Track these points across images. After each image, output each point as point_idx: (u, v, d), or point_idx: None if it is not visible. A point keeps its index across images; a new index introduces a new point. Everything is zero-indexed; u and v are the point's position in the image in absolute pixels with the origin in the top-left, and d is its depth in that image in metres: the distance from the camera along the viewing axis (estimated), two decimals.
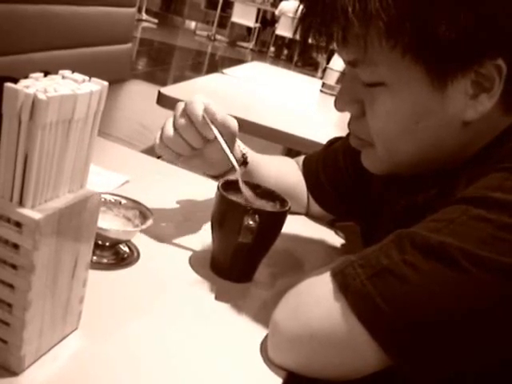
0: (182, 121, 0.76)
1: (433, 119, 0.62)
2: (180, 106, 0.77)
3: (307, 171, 0.98)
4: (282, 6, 9.26)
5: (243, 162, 0.87)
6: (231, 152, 0.77)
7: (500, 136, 0.62)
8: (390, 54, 0.59)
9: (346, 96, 0.68)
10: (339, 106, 0.69)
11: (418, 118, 0.62)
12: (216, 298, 0.69)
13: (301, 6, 0.63)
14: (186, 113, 0.76)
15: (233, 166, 0.83)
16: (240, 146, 0.87)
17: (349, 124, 0.71)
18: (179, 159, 0.80)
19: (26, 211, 0.45)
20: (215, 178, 0.87)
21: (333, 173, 0.93)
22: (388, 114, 0.63)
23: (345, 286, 0.55)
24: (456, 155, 0.65)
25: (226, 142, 0.77)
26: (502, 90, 0.59)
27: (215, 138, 0.76)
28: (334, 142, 0.97)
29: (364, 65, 0.62)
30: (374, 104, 0.64)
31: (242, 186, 0.75)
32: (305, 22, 0.63)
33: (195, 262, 0.76)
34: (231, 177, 0.85)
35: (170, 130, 0.77)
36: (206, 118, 0.75)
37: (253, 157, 0.88)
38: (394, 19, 0.56)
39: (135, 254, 0.73)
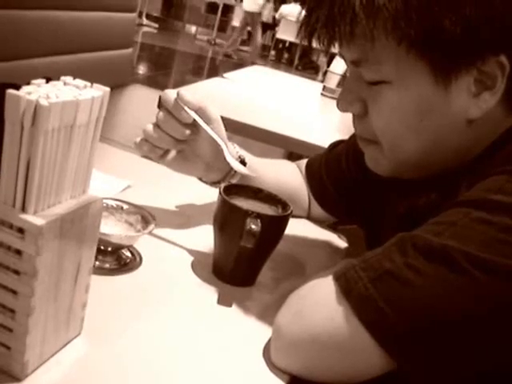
0: (160, 113, 0.77)
1: (436, 117, 0.62)
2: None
3: (310, 174, 0.98)
4: (282, 9, 9.27)
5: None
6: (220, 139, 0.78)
7: (501, 138, 0.62)
8: (394, 51, 0.59)
9: (349, 96, 0.68)
10: (342, 106, 0.69)
11: (421, 116, 0.62)
12: (218, 302, 0.69)
13: (306, 3, 0.63)
14: (162, 104, 0.77)
15: (229, 172, 0.83)
16: (236, 148, 0.86)
17: (353, 125, 0.71)
18: (164, 158, 0.81)
19: (29, 217, 0.45)
20: (213, 184, 0.87)
21: (336, 175, 0.93)
22: (392, 111, 0.63)
23: (347, 290, 0.55)
24: (459, 156, 0.65)
25: (213, 131, 0.78)
26: (505, 88, 0.59)
27: (194, 120, 0.76)
28: (336, 145, 0.97)
29: (368, 63, 0.62)
30: (378, 102, 0.64)
31: (228, 157, 0.78)
32: (311, 18, 0.62)
33: (197, 266, 0.76)
34: (233, 181, 0.85)
35: (149, 125, 0.78)
36: (179, 101, 0.76)
37: (251, 160, 0.88)
38: (401, 12, 0.56)
39: (137, 258, 0.73)
